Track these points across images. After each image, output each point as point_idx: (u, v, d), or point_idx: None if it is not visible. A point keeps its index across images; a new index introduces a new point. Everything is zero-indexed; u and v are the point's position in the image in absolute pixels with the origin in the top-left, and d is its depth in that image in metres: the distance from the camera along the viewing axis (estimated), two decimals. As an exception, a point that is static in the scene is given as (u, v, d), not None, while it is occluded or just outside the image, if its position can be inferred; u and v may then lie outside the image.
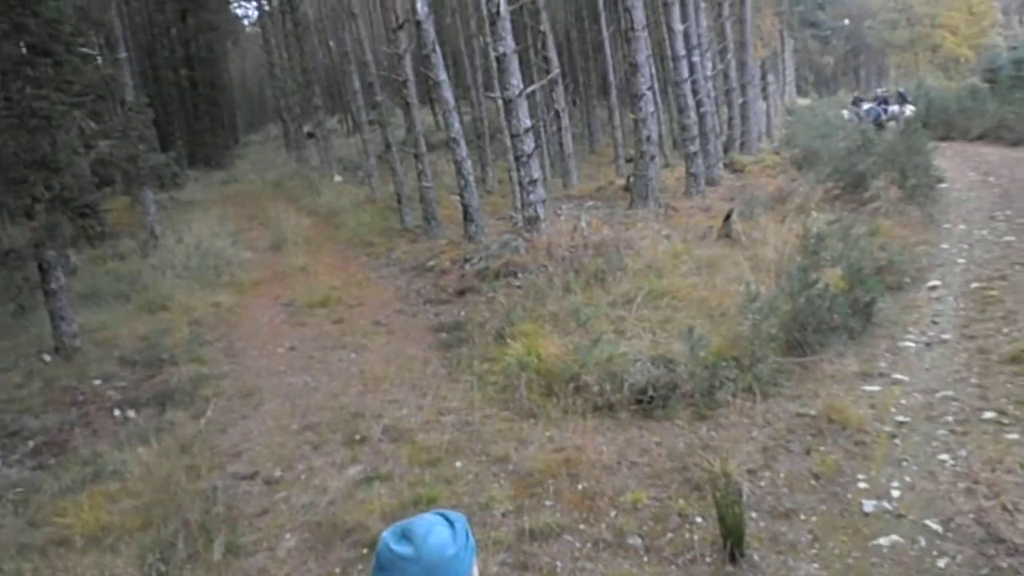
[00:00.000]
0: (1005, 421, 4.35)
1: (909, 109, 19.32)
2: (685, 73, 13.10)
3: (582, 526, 3.89)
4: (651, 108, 11.92)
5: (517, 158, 9.83)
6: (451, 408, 5.61)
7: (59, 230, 6.78)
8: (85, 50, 7.63)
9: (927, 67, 34.44)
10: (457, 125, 10.64)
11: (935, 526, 3.55)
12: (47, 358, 7.50)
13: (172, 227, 13.17)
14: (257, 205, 16.66)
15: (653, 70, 14.53)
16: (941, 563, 3.31)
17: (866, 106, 21.25)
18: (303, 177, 19.29)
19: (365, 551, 3.84)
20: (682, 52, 12.98)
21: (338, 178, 18.74)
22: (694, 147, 12.92)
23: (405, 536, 1.30)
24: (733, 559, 3.47)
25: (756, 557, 3.49)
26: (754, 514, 3.79)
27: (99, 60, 10.05)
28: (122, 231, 12.05)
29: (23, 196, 6.77)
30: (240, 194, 18.98)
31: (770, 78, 26.08)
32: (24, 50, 6.90)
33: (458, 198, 11.10)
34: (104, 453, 5.36)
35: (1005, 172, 12.15)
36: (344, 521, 4.14)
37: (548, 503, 4.13)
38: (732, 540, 3.49)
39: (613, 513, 3.97)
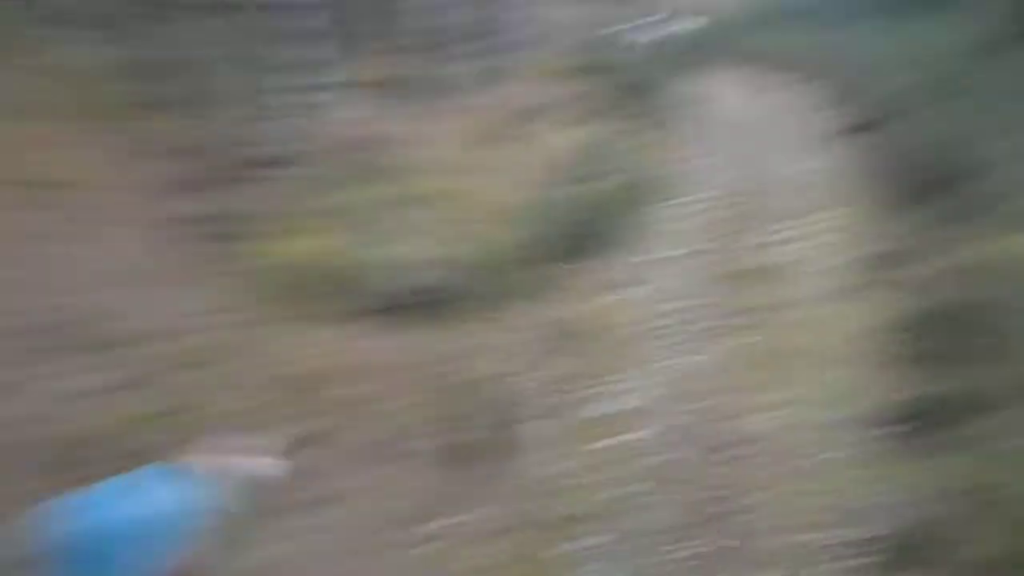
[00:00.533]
0: (724, 331, 5.04)
1: (689, 23, 19.95)
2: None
3: (351, 431, 3.94)
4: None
5: (299, 37, 9.06)
6: (220, 307, 5.26)
7: None
8: None
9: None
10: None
11: (660, 427, 4.08)
12: None
13: None
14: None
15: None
16: (668, 459, 3.83)
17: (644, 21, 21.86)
18: (21, 25, 16.14)
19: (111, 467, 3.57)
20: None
21: (73, 37, 15.91)
22: (482, 42, 12.77)
23: (121, 494, 1.18)
24: (491, 459, 3.73)
25: (515, 456, 3.79)
26: (512, 416, 4.08)
27: None
28: None
29: None
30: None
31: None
32: None
33: (233, 74, 10.03)
34: None
35: (772, 97, 13.36)
36: (88, 434, 3.80)
37: (319, 408, 4.11)
38: (491, 441, 3.75)
39: (383, 417, 4.06)
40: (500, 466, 3.73)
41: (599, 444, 3.93)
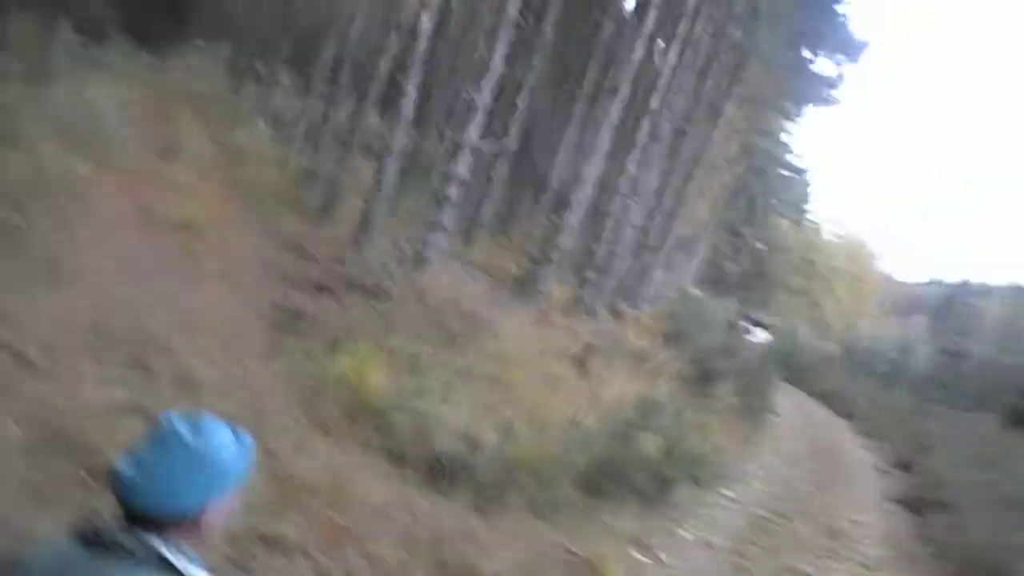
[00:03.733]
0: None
1: (765, 335, 22.43)
2: (617, 209, 13.73)
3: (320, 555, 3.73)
4: (575, 223, 12.34)
5: (438, 199, 9.85)
6: (251, 387, 5.29)
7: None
8: None
9: (804, 315, 37.93)
10: (403, 140, 10.55)
11: None
12: None
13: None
14: (167, 107, 15.64)
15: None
16: None
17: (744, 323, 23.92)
18: (227, 103, 18.33)
19: (82, 473, 3.48)
20: (626, 190, 13.64)
21: (261, 124, 17.96)
22: (592, 275, 13.41)
23: (191, 422, 1.31)
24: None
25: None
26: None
27: None
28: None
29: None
30: (157, 88, 17.77)
31: (680, 255, 27.76)
32: None
33: (363, 203, 10.88)
34: None
35: (823, 430, 13.40)
36: (84, 439, 3.75)
37: (296, 518, 3.93)
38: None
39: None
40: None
41: None
